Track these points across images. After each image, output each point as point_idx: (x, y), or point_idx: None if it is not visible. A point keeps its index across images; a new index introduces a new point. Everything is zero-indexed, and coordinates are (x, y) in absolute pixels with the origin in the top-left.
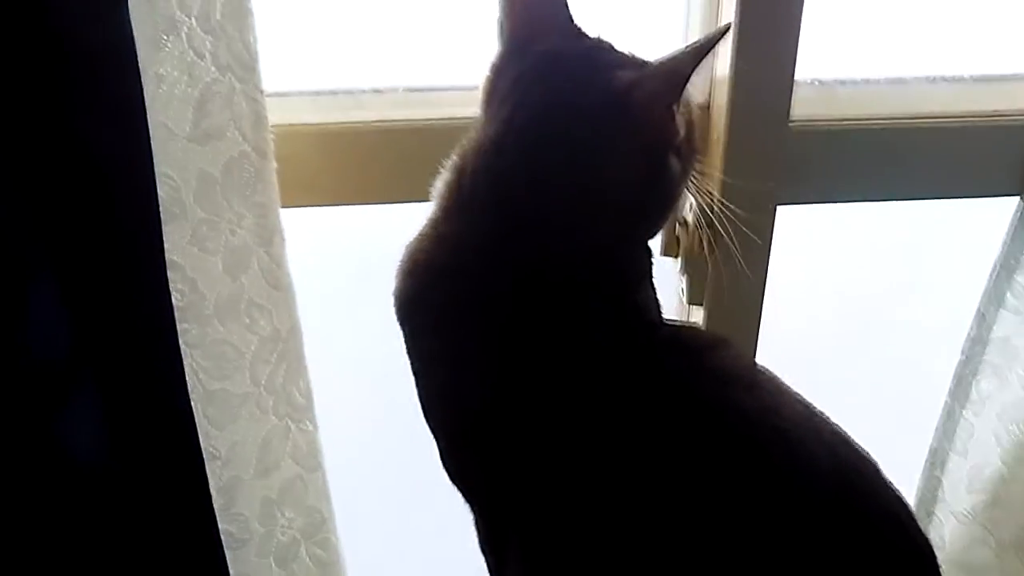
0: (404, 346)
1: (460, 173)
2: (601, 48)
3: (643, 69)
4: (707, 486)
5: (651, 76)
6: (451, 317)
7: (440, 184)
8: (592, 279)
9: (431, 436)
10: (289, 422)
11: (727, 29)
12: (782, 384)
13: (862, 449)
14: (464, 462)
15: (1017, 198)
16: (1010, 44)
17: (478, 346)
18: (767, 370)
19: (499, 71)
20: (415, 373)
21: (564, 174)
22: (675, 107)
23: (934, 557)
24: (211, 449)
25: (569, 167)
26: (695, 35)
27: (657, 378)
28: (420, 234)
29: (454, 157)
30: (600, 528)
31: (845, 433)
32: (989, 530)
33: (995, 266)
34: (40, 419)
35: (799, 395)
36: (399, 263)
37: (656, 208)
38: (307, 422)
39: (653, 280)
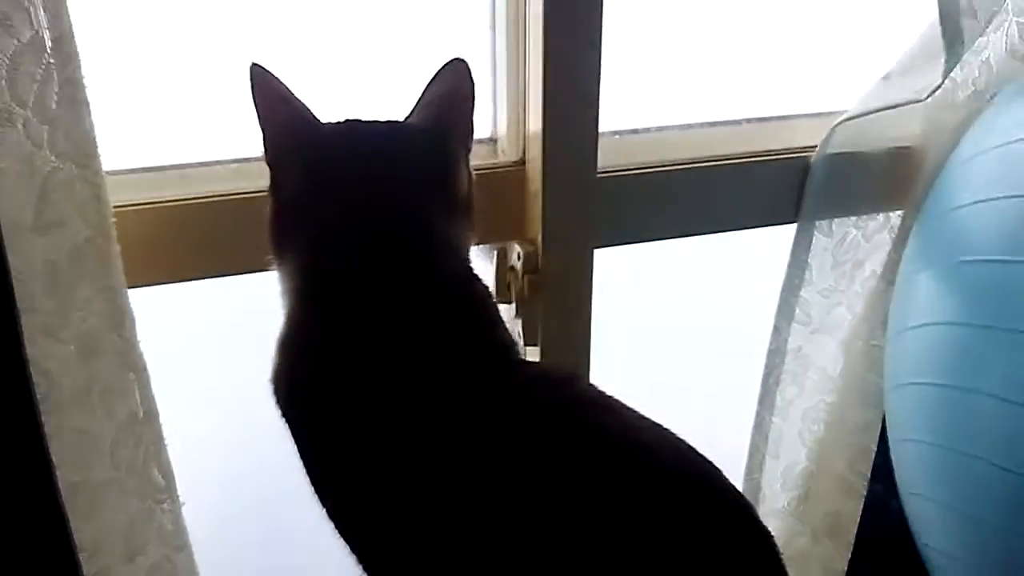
0: (289, 428)
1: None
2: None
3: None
4: (594, 505)
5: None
6: (334, 385)
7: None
8: (454, 322)
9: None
10: (152, 504)
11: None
12: (628, 407)
13: (703, 455)
14: (356, 518)
15: (795, 224)
16: (780, 88)
17: (364, 401)
18: (613, 396)
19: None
20: (306, 447)
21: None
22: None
23: (774, 542)
24: (78, 542)
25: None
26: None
27: (537, 408)
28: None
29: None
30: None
31: (687, 443)
32: (804, 521)
33: (783, 286)
34: None
35: (643, 415)
36: (276, 354)
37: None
38: (170, 501)
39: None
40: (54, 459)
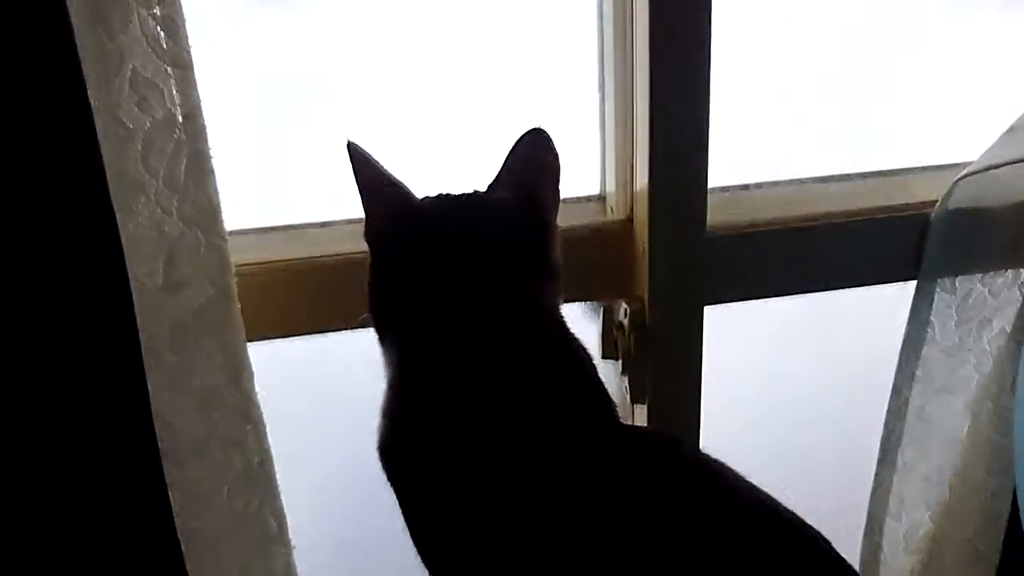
0: (395, 493)
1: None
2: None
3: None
4: None
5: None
6: (438, 451)
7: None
8: (557, 386)
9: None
10: (266, 548)
11: None
12: (737, 475)
13: (816, 531)
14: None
15: (914, 281)
16: (896, 142)
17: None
18: (720, 462)
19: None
20: (411, 512)
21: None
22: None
23: None
24: None
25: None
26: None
27: (641, 473)
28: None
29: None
30: None
31: (799, 518)
32: None
33: (903, 344)
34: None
35: (752, 484)
36: (381, 421)
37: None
38: (282, 545)
39: None
40: (174, 507)
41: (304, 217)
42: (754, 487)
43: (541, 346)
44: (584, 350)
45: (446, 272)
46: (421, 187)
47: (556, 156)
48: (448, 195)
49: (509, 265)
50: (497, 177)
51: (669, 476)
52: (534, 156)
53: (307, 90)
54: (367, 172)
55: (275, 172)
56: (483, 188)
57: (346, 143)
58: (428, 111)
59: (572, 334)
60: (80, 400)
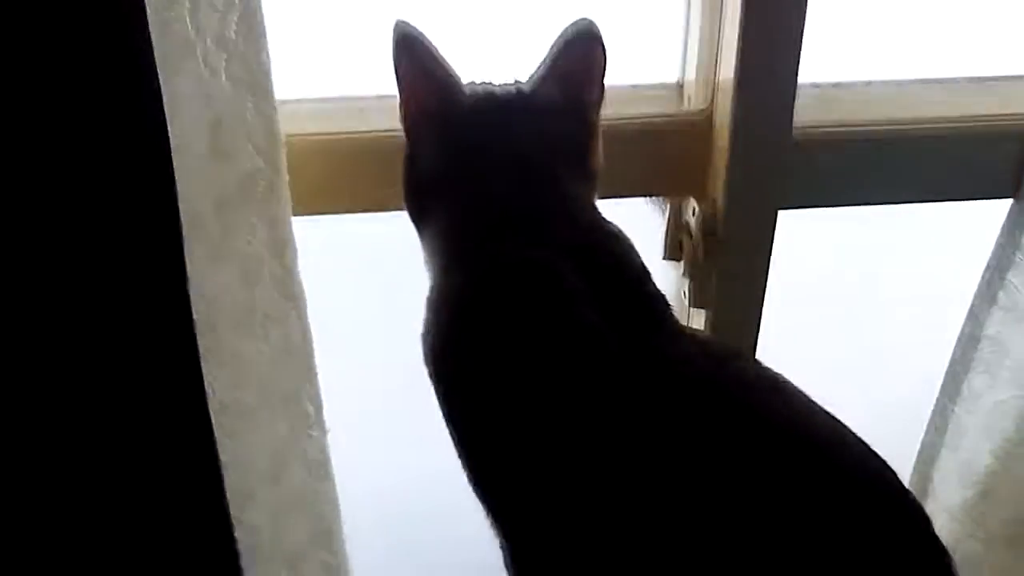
0: (436, 385)
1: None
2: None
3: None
4: (752, 498)
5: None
6: (482, 344)
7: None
8: (602, 277)
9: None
10: (300, 431)
11: None
12: (802, 393)
13: (881, 458)
14: (497, 476)
15: (1011, 200)
16: (1004, 46)
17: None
18: (785, 378)
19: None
20: (452, 404)
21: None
22: None
23: (952, 563)
24: (224, 459)
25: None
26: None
27: (697, 382)
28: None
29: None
30: (637, 529)
31: (865, 443)
32: (979, 523)
33: (988, 266)
34: (57, 433)
35: (817, 404)
36: (425, 314)
37: None
38: (318, 429)
39: None
40: (208, 378)
41: (361, 89)
42: (824, 412)
43: (584, 246)
44: (631, 248)
45: (485, 170)
46: (484, 52)
47: (604, 52)
48: (492, 89)
49: (548, 166)
50: (541, 68)
51: (727, 388)
52: (581, 51)
53: None
54: (416, 52)
55: (332, 38)
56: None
57: (394, 24)
58: None
59: (618, 232)
60: (110, 263)
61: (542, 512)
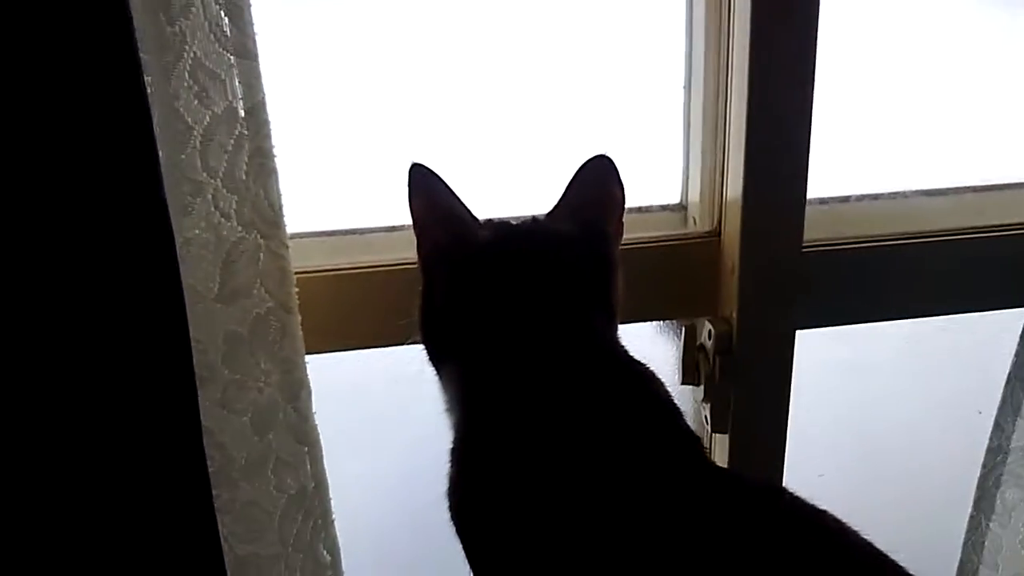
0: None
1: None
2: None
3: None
4: None
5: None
6: (511, 495)
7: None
8: (636, 420)
9: None
10: None
11: None
12: (848, 529)
13: None
14: None
15: None
16: (1006, 153)
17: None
18: (828, 514)
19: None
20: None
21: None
22: None
23: None
24: None
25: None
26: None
27: (741, 522)
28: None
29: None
30: None
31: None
32: None
33: (1008, 377)
34: None
35: (864, 539)
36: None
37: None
38: None
39: None
40: (224, 531)
41: (370, 222)
42: (867, 544)
43: (616, 386)
44: (660, 385)
45: (507, 308)
46: (496, 188)
47: (622, 188)
48: (510, 225)
49: (571, 302)
50: (559, 203)
51: (772, 529)
52: (599, 186)
53: (381, 84)
54: (431, 192)
55: (341, 172)
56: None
57: (410, 166)
58: (502, 102)
59: (645, 369)
60: (125, 413)
61: None
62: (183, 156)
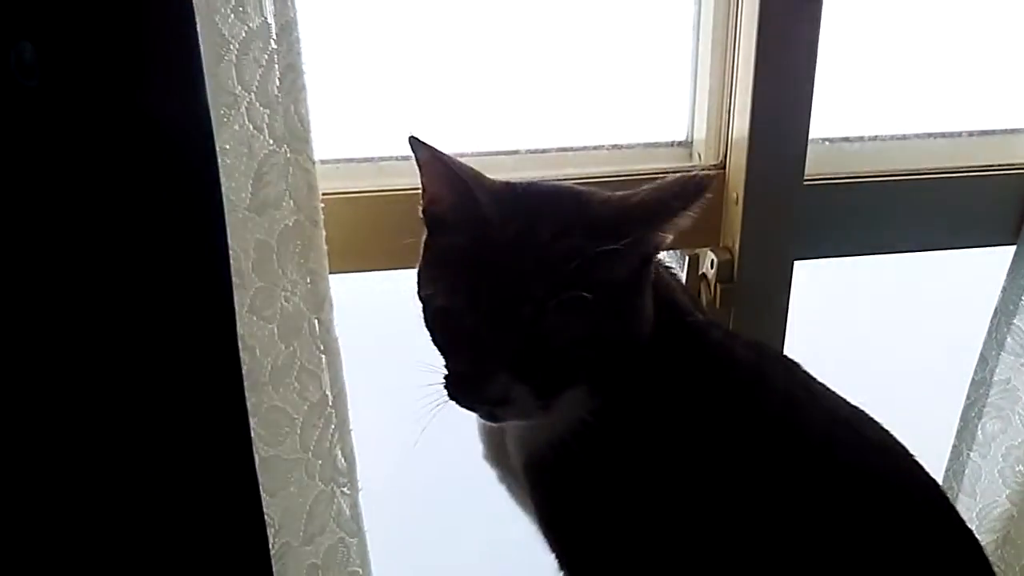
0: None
1: None
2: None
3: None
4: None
5: None
6: None
7: None
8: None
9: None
10: (334, 487)
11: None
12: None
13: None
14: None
15: (1013, 247)
16: (1003, 101)
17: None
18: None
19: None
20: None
21: None
22: None
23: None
24: (265, 517)
25: None
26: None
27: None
28: None
29: None
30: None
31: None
32: (1001, 568)
33: (995, 311)
34: (119, 494)
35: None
36: None
37: None
38: (349, 486)
39: None
40: (252, 433)
41: (393, 150)
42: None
43: None
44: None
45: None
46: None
47: (694, 197)
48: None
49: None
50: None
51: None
52: (683, 195)
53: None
54: (431, 163)
55: (372, 99)
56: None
57: (408, 140)
58: (513, 36)
59: None
60: (169, 313)
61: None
62: (219, 67)
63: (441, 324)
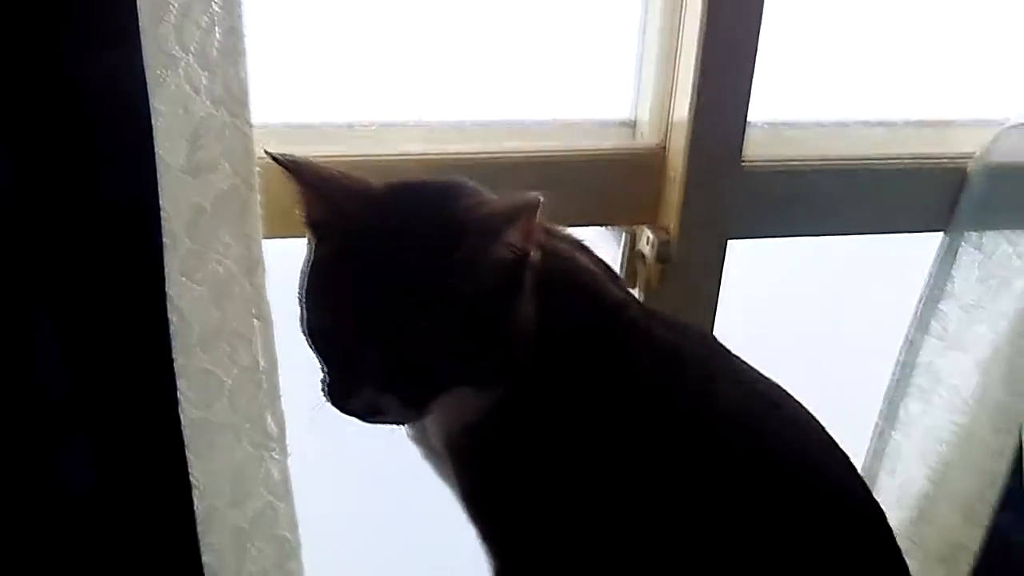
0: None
1: None
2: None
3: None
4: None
5: None
6: None
7: None
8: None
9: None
10: (263, 452)
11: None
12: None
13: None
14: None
15: (942, 233)
16: (941, 92)
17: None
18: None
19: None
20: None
21: None
22: None
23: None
24: (191, 479)
25: None
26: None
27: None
28: None
29: None
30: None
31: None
32: (917, 544)
33: (921, 296)
34: (38, 448)
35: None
36: None
37: None
38: (279, 451)
39: None
40: (180, 396)
41: (334, 117)
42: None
43: None
44: None
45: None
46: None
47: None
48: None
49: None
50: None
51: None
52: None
53: None
54: (299, 175)
55: (314, 64)
56: None
57: (266, 152)
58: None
59: None
60: (96, 273)
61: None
62: (159, 29)
63: (310, 334)
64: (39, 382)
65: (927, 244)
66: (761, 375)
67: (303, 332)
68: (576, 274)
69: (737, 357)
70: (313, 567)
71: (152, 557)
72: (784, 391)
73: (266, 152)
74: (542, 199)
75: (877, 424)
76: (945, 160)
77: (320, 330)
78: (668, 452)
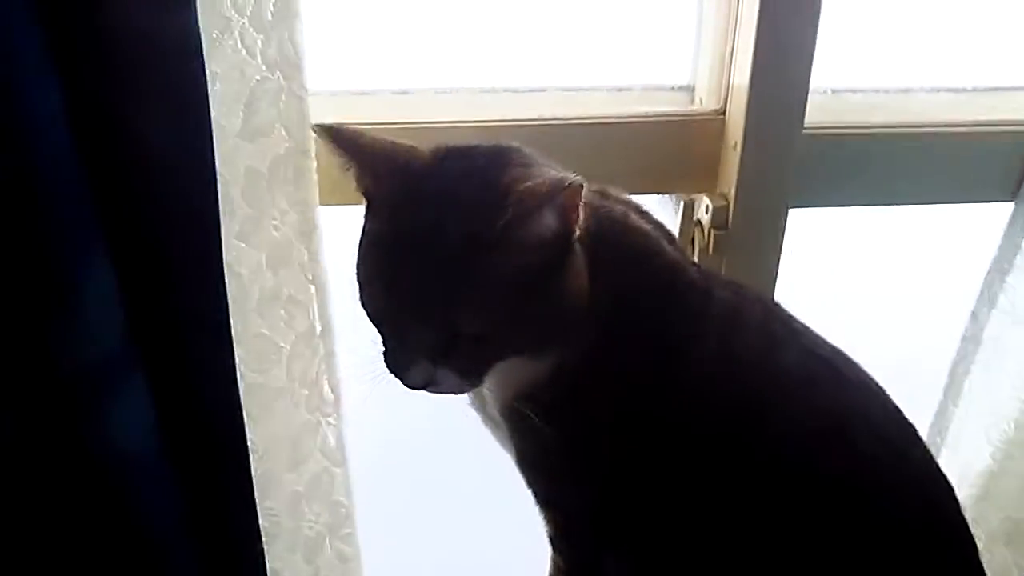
0: None
1: None
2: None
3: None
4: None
5: None
6: None
7: None
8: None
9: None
10: (319, 416)
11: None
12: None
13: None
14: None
15: (1012, 203)
16: (1007, 57)
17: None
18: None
19: None
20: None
21: None
22: None
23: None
24: (249, 443)
25: None
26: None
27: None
28: None
29: None
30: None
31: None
32: (978, 523)
33: (989, 268)
34: (93, 412)
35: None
36: None
37: None
38: (335, 417)
39: None
40: (237, 360)
41: (389, 84)
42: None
43: None
44: None
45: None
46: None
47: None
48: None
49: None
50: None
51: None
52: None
53: None
54: (347, 142)
55: (370, 31)
56: None
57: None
58: None
59: None
60: (154, 236)
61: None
62: None
63: (366, 307)
64: (98, 339)
65: (996, 214)
66: (823, 339)
67: (360, 304)
68: (632, 235)
69: (797, 319)
70: (368, 532)
71: (211, 518)
72: (847, 357)
73: (313, 127)
74: (584, 184)
75: (940, 400)
76: (1015, 126)
77: (373, 305)
78: (729, 415)
